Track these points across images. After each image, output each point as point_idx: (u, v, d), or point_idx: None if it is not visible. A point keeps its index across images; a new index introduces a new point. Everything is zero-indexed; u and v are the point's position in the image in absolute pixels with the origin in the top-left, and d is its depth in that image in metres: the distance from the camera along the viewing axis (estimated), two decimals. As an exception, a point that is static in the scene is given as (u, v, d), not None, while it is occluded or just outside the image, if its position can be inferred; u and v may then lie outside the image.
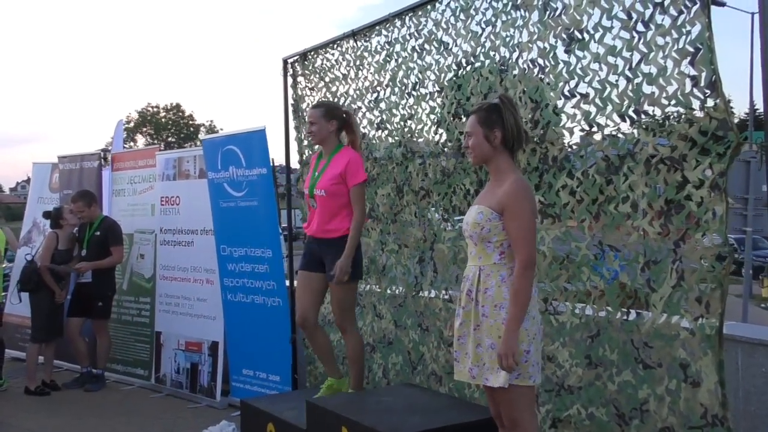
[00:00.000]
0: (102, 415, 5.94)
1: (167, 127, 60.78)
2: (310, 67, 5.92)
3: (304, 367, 5.95)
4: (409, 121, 4.98)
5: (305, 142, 6.04)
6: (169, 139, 58.36)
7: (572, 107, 3.61)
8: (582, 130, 3.58)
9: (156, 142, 55.03)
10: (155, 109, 61.32)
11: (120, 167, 7.64)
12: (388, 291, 5.24)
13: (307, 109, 5.39)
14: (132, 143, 54.54)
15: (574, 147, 3.72)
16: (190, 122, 61.49)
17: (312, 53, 5.86)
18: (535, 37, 3.79)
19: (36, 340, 6.66)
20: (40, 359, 6.76)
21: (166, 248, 6.84)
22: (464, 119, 4.48)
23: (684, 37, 2.97)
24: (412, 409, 3.80)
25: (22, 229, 8.60)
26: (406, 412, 3.76)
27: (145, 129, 60.41)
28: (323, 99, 5.78)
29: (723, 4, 19.07)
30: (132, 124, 59.99)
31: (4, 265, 7.24)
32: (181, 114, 61.77)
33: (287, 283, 5.79)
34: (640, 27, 3.19)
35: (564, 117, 3.69)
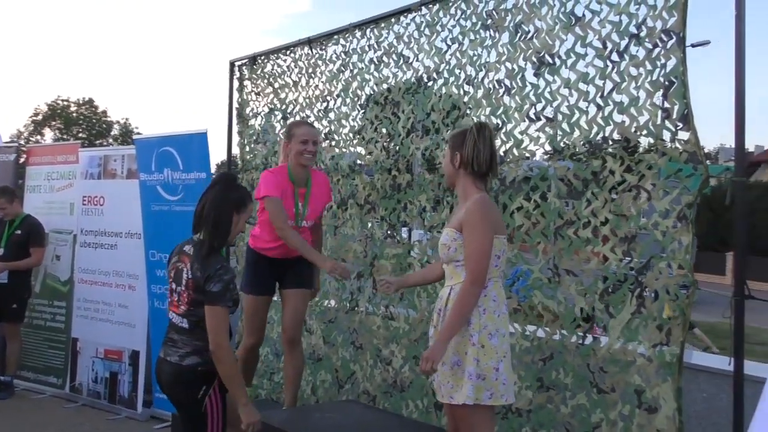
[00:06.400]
0: (13, 426, 5.52)
1: (78, 121, 58.17)
2: (259, 72, 5.76)
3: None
4: (358, 135, 4.91)
5: (247, 148, 5.87)
6: (80, 134, 55.88)
7: (537, 130, 3.63)
8: (546, 153, 3.61)
9: (66, 137, 52.62)
10: (66, 103, 58.60)
11: (36, 162, 7.18)
12: (320, 306, 5.11)
13: (250, 114, 5.20)
14: (39, 137, 51.96)
15: (535, 170, 3.74)
16: (104, 118, 59.07)
17: (262, 58, 5.70)
18: (504, 57, 3.80)
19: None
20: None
21: (87, 250, 6.46)
22: (421, 135, 4.45)
23: (658, 69, 3.04)
24: (362, 428, 3.70)
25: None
26: (357, 430, 3.66)
27: (54, 123, 57.59)
28: (270, 105, 5.63)
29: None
30: (41, 117, 57.12)
31: None
32: (93, 110, 59.25)
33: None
34: (614, 57, 3.24)
35: (527, 139, 3.70)
